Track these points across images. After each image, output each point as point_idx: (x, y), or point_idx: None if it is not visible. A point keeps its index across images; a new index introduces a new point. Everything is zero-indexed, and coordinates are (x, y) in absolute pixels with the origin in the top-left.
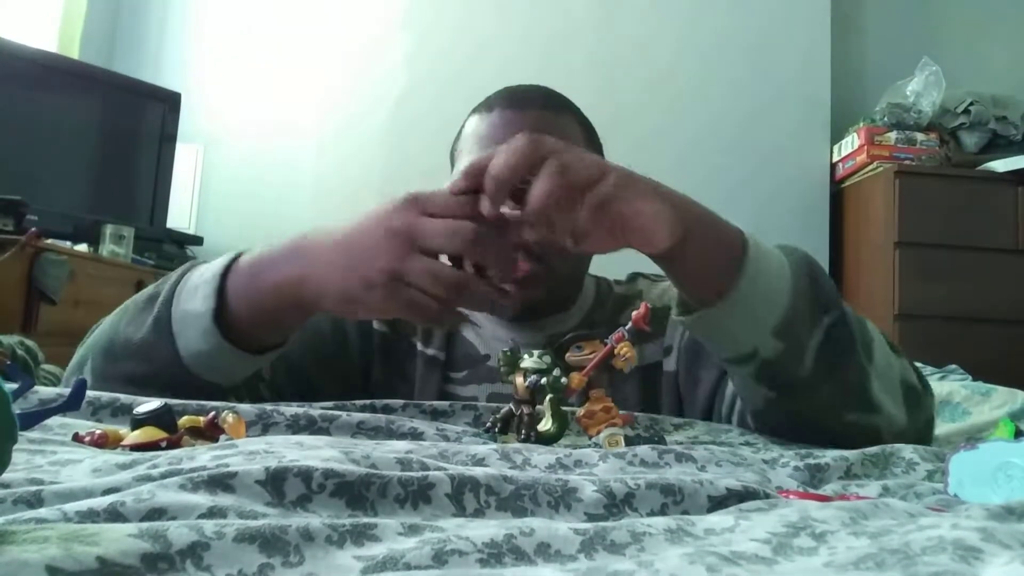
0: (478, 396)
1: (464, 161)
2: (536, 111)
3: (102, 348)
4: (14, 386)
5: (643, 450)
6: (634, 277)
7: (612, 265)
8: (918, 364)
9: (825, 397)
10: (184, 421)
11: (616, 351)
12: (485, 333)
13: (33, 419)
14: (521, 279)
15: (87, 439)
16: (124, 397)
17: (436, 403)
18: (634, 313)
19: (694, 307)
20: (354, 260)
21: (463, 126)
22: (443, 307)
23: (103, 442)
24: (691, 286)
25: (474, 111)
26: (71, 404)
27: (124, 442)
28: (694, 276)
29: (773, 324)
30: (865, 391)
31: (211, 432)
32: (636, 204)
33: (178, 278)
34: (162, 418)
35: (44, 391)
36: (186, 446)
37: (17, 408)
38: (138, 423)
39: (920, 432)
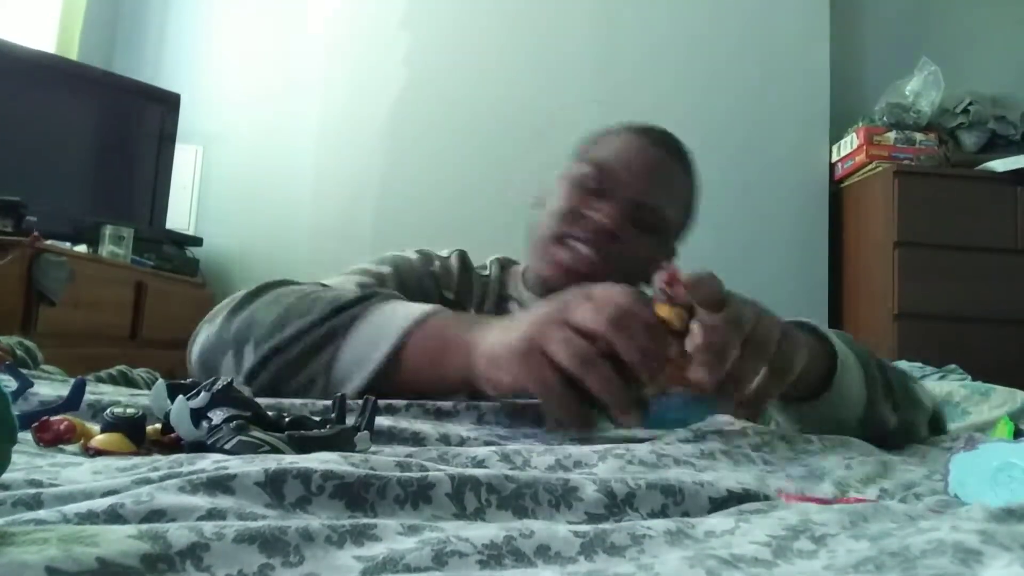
0: None
1: (590, 154)
2: (662, 150)
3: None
4: (14, 386)
5: (642, 450)
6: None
7: None
8: (917, 364)
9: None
10: (151, 431)
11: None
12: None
13: (33, 419)
14: (572, 269)
15: (54, 428)
16: (125, 400)
17: (440, 403)
18: (657, 277)
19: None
20: (498, 372)
21: (595, 139)
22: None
23: (69, 434)
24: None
25: (607, 132)
26: (71, 404)
27: (91, 443)
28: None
29: (859, 416)
30: (915, 423)
31: (171, 443)
32: (795, 360)
33: (359, 309)
34: (133, 427)
35: (44, 391)
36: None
37: (17, 408)
38: (109, 426)
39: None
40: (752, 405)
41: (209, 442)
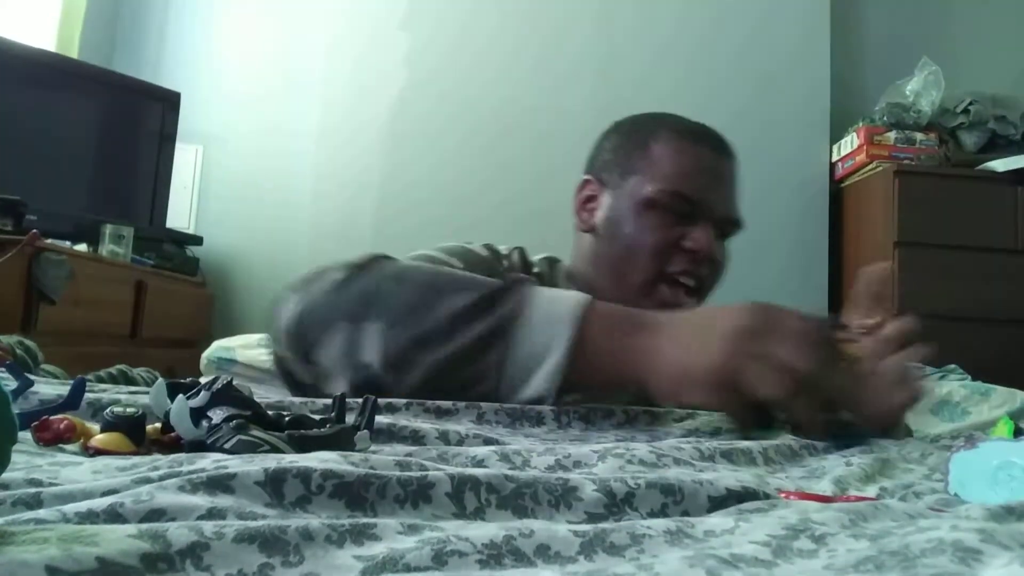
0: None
1: (667, 178)
2: (732, 161)
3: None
4: (14, 385)
5: (642, 450)
6: None
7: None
8: (916, 364)
9: None
10: (151, 431)
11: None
12: None
13: (33, 418)
14: (680, 304)
15: (53, 427)
16: (125, 399)
17: (440, 402)
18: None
19: None
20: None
21: (650, 142)
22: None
23: (69, 433)
24: None
25: (671, 133)
26: (71, 403)
27: (91, 443)
28: None
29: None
30: None
31: (171, 442)
32: None
33: (515, 297)
34: (133, 426)
35: (44, 391)
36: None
37: (17, 407)
38: (109, 425)
39: None
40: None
41: (209, 441)
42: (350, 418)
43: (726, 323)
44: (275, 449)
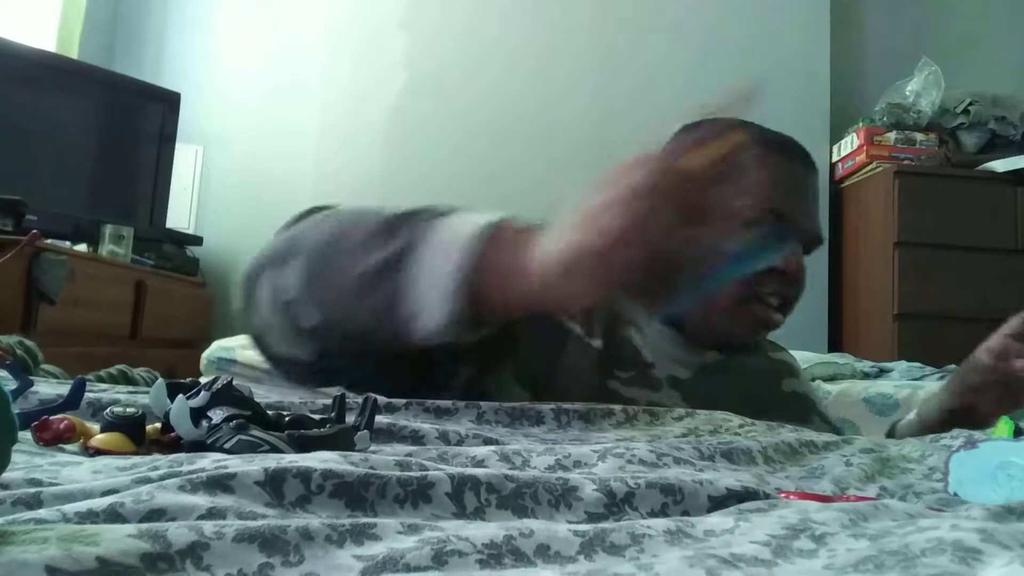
0: (638, 400)
1: (758, 193)
2: (815, 175)
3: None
4: (14, 385)
5: (642, 450)
6: None
7: None
8: (917, 364)
9: None
10: (151, 431)
11: None
12: (651, 343)
13: (33, 418)
14: (768, 324)
15: (53, 427)
16: (125, 399)
17: (440, 402)
18: None
19: None
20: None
21: (742, 154)
22: None
23: (69, 433)
24: None
25: (756, 143)
26: (70, 403)
27: (91, 442)
28: None
29: None
30: None
31: (171, 442)
32: None
33: (421, 222)
34: (133, 426)
35: (44, 391)
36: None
37: (17, 407)
38: (109, 425)
39: None
40: None
41: (209, 441)
42: (350, 418)
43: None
44: (275, 449)
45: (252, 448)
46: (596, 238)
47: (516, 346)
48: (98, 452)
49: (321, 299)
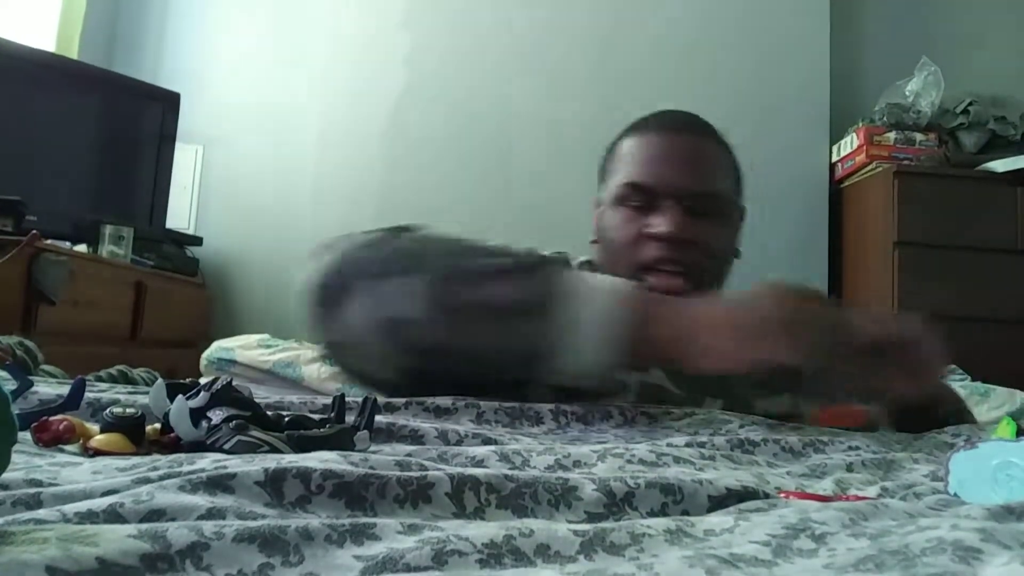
0: (629, 383)
1: (622, 172)
2: (692, 135)
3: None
4: (14, 386)
5: (641, 450)
6: None
7: None
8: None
9: None
10: (150, 431)
11: None
12: None
13: (33, 419)
14: (671, 292)
15: (53, 428)
16: (124, 399)
17: (439, 400)
18: None
19: None
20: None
21: (617, 146)
22: None
23: (68, 434)
24: None
25: (629, 133)
26: (70, 404)
27: (90, 443)
28: None
29: None
30: None
31: (170, 443)
32: None
33: (555, 269)
34: (132, 427)
35: (44, 391)
36: None
37: (16, 408)
38: (109, 426)
39: None
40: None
41: (208, 442)
42: (349, 418)
43: (767, 302)
44: (274, 449)
45: (251, 449)
46: (785, 332)
47: None
48: (97, 453)
49: (451, 325)
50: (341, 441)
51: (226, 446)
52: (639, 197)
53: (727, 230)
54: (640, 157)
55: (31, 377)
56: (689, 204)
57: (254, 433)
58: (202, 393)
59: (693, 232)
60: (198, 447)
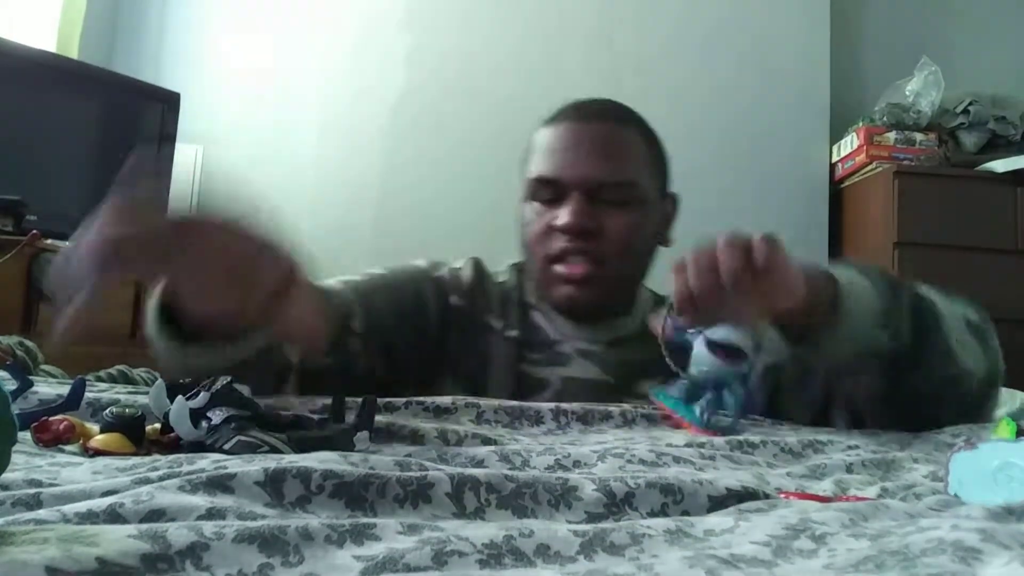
0: (551, 379)
1: (530, 168)
2: (601, 123)
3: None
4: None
5: (641, 449)
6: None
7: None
8: None
9: (924, 364)
10: (150, 431)
11: None
12: (555, 323)
13: (33, 419)
14: (579, 279)
15: (53, 428)
16: (124, 399)
17: (439, 399)
18: None
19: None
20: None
21: (532, 138)
22: None
23: (68, 434)
24: (803, 322)
25: (544, 124)
26: (70, 404)
27: (90, 443)
28: (809, 316)
29: (875, 321)
30: (949, 348)
31: (170, 443)
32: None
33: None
34: (132, 427)
35: (44, 391)
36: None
37: (16, 408)
38: (109, 426)
39: (992, 363)
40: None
41: (208, 442)
42: (349, 418)
43: None
44: (274, 450)
45: (251, 449)
46: None
47: (450, 354)
48: (97, 453)
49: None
50: (341, 441)
51: (226, 446)
52: (548, 191)
53: (642, 218)
54: (548, 149)
55: (31, 377)
56: (598, 194)
57: (254, 433)
58: (202, 393)
59: (600, 222)
60: (198, 447)
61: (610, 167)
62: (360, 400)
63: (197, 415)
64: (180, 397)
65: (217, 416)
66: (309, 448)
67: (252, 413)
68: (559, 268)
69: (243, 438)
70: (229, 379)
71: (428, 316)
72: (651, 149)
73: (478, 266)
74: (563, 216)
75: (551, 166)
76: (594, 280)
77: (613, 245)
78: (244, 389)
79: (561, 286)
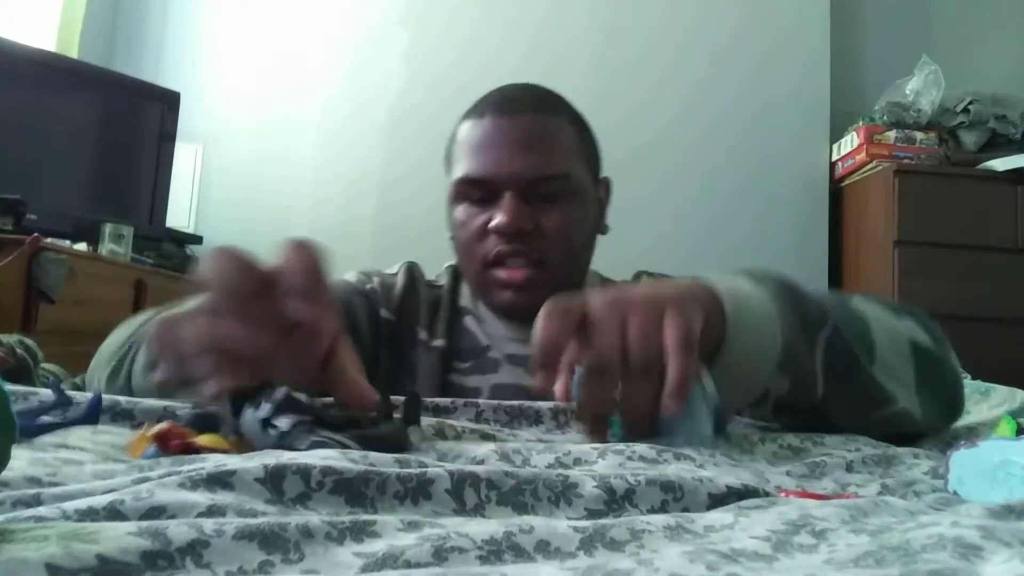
0: (481, 388)
1: (457, 166)
2: (528, 115)
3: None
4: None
5: (642, 447)
6: (639, 275)
7: (616, 262)
8: None
9: (843, 408)
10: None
11: None
12: (487, 327)
13: (48, 430)
14: (520, 283)
15: (175, 438)
16: (124, 401)
17: (438, 400)
18: None
19: None
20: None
21: (456, 132)
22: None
23: (183, 441)
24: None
25: (466, 116)
26: (89, 418)
27: (199, 441)
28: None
29: (776, 363)
30: (878, 390)
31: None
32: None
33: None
34: (214, 425)
35: (43, 392)
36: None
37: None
38: (194, 425)
39: (943, 396)
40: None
41: (284, 445)
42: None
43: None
44: (343, 447)
45: (325, 447)
46: None
47: (383, 370)
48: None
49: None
50: (399, 438)
51: (301, 447)
52: (478, 190)
53: (580, 210)
54: (474, 147)
55: (68, 393)
56: (532, 190)
57: (325, 434)
58: (263, 404)
59: (536, 220)
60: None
61: (542, 161)
62: (404, 398)
63: (264, 424)
64: (249, 411)
65: (284, 423)
66: (373, 446)
67: (313, 417)
68: (498, 273)
69: (316, 438)
70: (286, 388)
71: (361, 334)
72: (581, 135)
73: (411, 272)
74: (498, 217)
75: (480, 165)
76: (535, 283)
77: (552, 243)
78: (301, 396)
79: (501, 291)
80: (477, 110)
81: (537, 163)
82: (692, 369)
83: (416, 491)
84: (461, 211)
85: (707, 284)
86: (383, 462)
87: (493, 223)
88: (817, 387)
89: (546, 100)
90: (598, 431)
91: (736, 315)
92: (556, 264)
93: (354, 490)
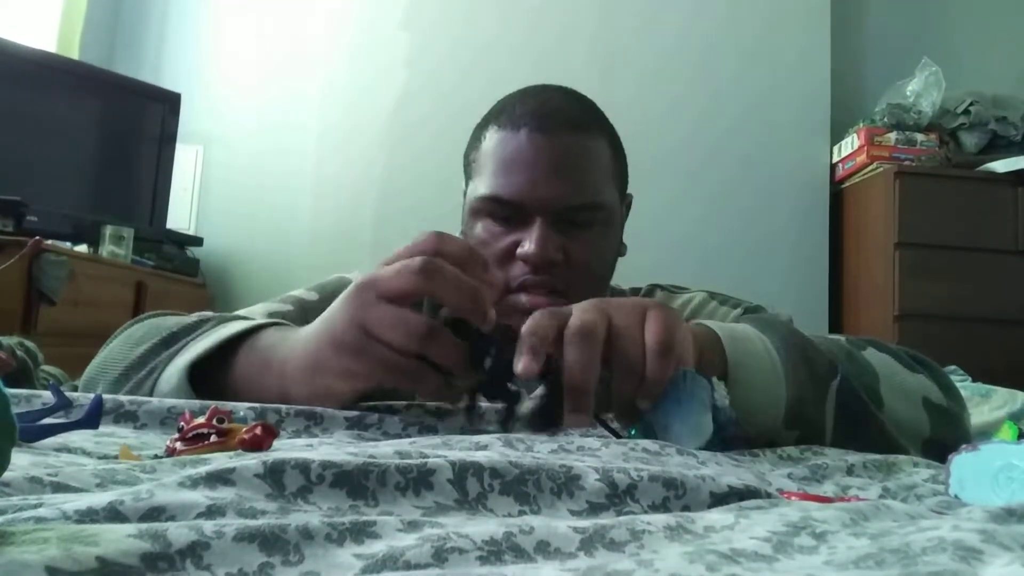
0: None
1: (485, 180)
2: (567, 135)
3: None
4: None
5: (645, 440)
6: (652, 289)
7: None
8: None
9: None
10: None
11: None
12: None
13: (49, 433)
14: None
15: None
16: (127, 402)
17: (439, 403)
18: None
19: None
20: (324, 377)
21: (483, 136)
22: (423, 368)
23: (270, 438)
24: None
25: (496, 122)
26: (89, 422)
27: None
28: None
29: (782, 419)
30: (888, 441)
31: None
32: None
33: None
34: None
35: (44, 394)
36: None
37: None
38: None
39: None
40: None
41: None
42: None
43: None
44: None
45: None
46: None
47: None
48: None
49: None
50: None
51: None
52: (505, 210)
53: (607, 236)
54: (506, 163)
55: (67, 395)
56: (565, 218)
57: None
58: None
59: (565, 248)
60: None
61: (577, 188)
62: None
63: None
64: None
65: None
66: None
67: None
68: (520, 298)
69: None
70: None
71: None
72: (615, 155)
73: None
74: (527, 245)
75: (512, 186)
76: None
77: (578, 274)
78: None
79: (521, 316)
80: (511, 120)
81: (572, 190)
82: (668, 371)
83: (417, 482)
84: (482, 228)
85: (709, 327)
86: (383, 454)
87: (522, 251)
88: (825, 442)
89: (585, 116)
90: (583, 406)
91: (738, 369)
92: (578, 294)
93: (354, 483)
